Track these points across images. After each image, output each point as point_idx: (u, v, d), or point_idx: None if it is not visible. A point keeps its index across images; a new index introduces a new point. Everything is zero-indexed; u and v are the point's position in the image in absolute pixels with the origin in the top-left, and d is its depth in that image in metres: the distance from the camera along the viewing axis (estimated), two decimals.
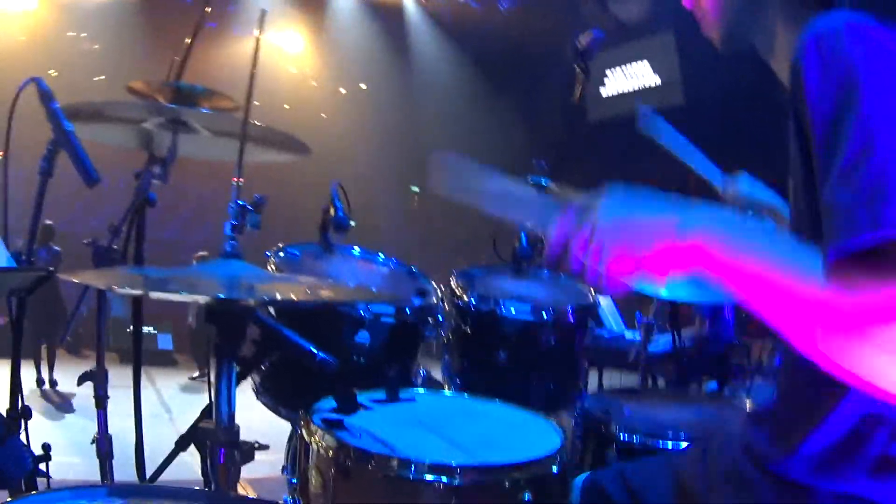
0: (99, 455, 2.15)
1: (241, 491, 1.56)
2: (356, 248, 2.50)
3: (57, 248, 9.30)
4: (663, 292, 2.34)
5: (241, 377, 1.61)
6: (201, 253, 9.18)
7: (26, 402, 2.01)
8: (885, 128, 0.97)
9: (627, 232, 1.03)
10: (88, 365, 2.23)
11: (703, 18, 1.35)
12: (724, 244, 1.00)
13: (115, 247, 2.08)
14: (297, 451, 1.72)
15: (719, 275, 1.00)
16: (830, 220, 0.97)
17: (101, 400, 2.17)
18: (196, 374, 9.94)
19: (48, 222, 9.28)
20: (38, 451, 1.97)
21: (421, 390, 2.03)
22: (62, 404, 7.77)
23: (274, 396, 2.17)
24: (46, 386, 8.45)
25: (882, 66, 1.01)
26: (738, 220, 1.03)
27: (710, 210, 1.04)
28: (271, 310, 2.03)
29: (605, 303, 6.44)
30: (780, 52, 1.28)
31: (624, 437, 1.97)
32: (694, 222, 1.02)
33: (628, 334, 6.17)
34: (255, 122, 1.93)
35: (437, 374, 2.42)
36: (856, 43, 1.03)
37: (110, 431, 2.18)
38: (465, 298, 2.31)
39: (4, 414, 1.96)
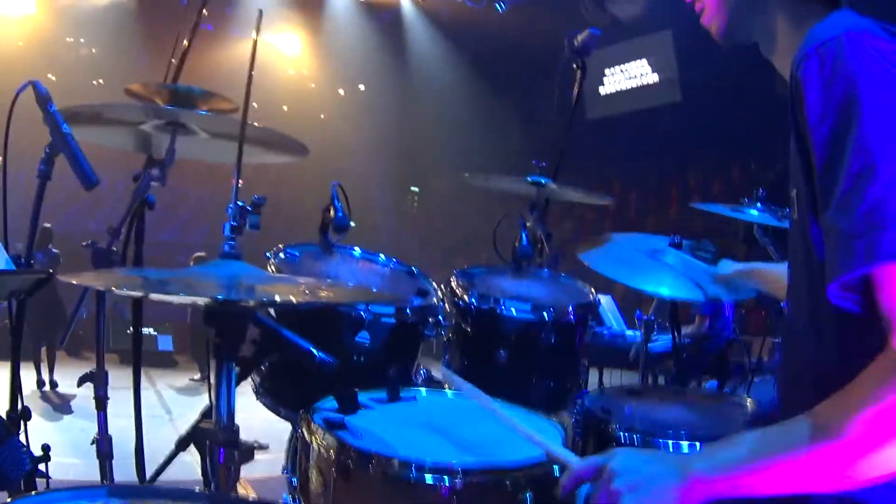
0: (99, 456, 2.15)
1: (241, 491, 1.56)
2: (356, 248, 2.50)
3: (55, 250, 9.30)
4: (664, 291, 2.36)
5: (240, 378, 1.61)
6: (199, 254, 9.18)
7: (26, 404, 2.01)
8: (884, 152, 0.98)
9: (642, 490, 1.12)
10: (89, 366, 2.23)
11: (703, 10, 1.35)
12: (719, 471, 1.10)
13: (114, 249, 2.08)
14: (297, 451, 1.72)
15: (729, 494, 1.10)
16: (831, 249, 1.02)
17: (101, 401, 2.17)
18: (197, 375, 9.94)
19: (46, 225, 9.30)
20: (37, 451, 1.97)
21: (422, 390, 2.03)
22: (62, 405, 7.77)
23: (274, 397, 2.17)
24: (46, 387, 8.45)
25: (883, 85, 1.01)
26: (725, 444, 1.13)
27: (704, 449, 1.17)
28: (271, 310, 2.03)
29: (605, 301, 6.45)
30: (781, 47, 1.27)
31: (624, 435, 1.97)
32: (691, 467, 1.11)
33: (628, 333, 6.17)
34: (254, 123, 1.93)
35: (438, 374, 2.42)
36: (857, 58, 1.03)
37: (110, 432, 2.18)
38: (466, 298, 2.31)
39: (4, 415, 1.96)
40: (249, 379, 2.12)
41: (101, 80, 14.58)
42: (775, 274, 1.86)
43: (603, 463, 1.17)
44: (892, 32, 1.08)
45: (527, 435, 1.41)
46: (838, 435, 1.00)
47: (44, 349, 8.61)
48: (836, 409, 1.02)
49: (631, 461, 1.16)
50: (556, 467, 1.56)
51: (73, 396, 7.86)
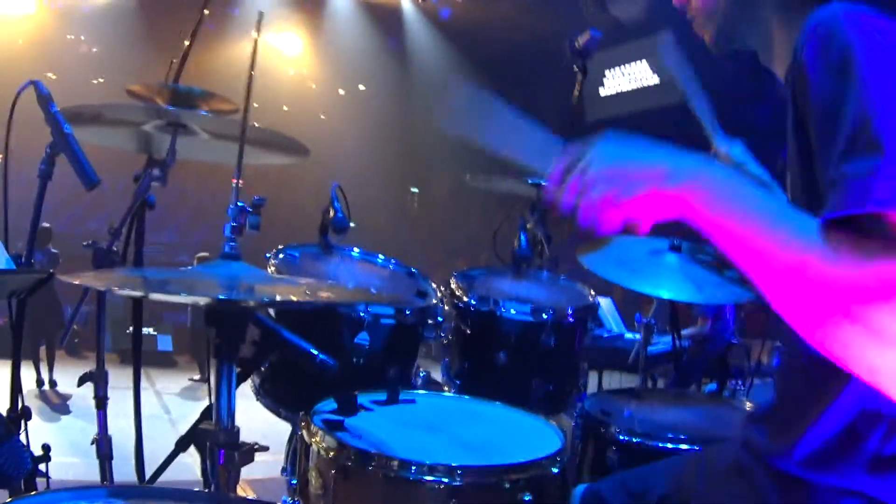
0: (99, 456, 2.15)
1: (240, 492, 1.56)
2: (356, 249, 2.50)
3: (54, 250, 9.30)
4: (664, 293, 2.35)
5: (240, 378, 1.61)
6: (202, 254, 9.18)
7: (26, 403, 2.01)
8: (880, 103, 0.97)
9: (617, 176, 1.02)
10: (88, 366, 2.24)
11: (694, 17, 1.35)
12: (712, 197, 0.99)
13: (114, 249, 2.08)
14: (297, 452, 1.72)
15: (704, 227, 0.99)
16: (833, 193, 0.94)
17: (101, 401, 2.18)
18: (197, 375, 9.94)
19: (45, 225, 9.28)
20: (37, 451, 1.97)
21: (421, 391, 2.03)
22: (62, 405, 7.77)
23: (274, 397, 2.17)
24: (46, 387, 8.45)
25: (876, 44, 1.01)
26: (733, 174, 1.01)
27: (706, 161, 1.02)
28: (271, 311, 2.03)
29: (604, 304, 6.45)
30: (779, 52, 1.28)
31: (623, 438, 1.97)
32: (685, 171, 1.01)
33: (628, 335, 6.18)
34: (255, 124, 1.93)
35: (438, 376, 2.42)
36: (852, 25, 1.03)
37: (110, 432, 2.18)
38: (465, 299, 2.31)
39: (4, 414, 1.96)
40: (249, 380, 2.12)
41: (101, 79, 14.58)
42: None
43: (585, 149, 1.06)
44: (889, 16, 1.09)
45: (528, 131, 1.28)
46: (855, 261, 0.88)
47: (43, 348, 8.61)
48: (863, 245, 0.89)
49: (616, 146, 1.05)
50: (554, 467, 1.57)
51: (73, 396, 7.86)
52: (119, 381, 2.42)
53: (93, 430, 2.18)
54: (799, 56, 1.09)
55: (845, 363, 0.91)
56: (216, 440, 1.45)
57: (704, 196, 0.99)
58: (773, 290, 0.94)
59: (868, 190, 0.90)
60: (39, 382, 8.52)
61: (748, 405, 2.36)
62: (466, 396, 2.04)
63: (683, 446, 1.93)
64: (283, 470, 2.32)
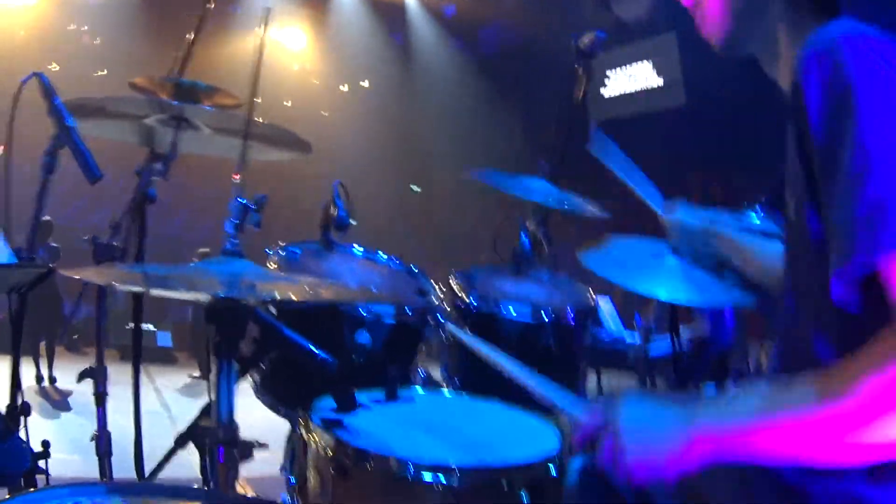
0: (98, 452, 2.15)
1: (239, 489, 1.56)
2: (357, 247, 2.50)
3: (55, 244, 9.29)
4: (664, 295, 2.35)
5: (240, 376, 1.61)
6: (203, 250, 9.17)
7: (25, 400, 2.01)
8: (881, 150, 0.99)
9: (643, 442, 1.14)
10: (88, 362, 2.23)
11: (701, 19, 1.35)
12: (724, 427, 1.09)
13: (115, 243, 2.08)
14: (295, 450, 1.72)
15: (729, 453, 1.09)
16: (832, 245, 1.03)
17: (100, 397, 2.17)
18: (196, 372, 9.93)
19: (46, 218, 9.23)
20: (37, 448, 1.97)
21: (420, 390, 2.03)
22: (61, 401, 7.76)
23: (273, 395, 2.17)
24: (46, 383, 8.45)
25: (880, 85, 1.02)
26: (731, 400, 1.14)
27: (709, 402, 1.16)
28: (272, 308, 2.03)
29: (604, 305, 6.44)
30: (781, 60, 1.28)
31: None
32: (696, 420, 1.11)
33: (627, 336, 6.17)
34: (259, 119, 1.93)
35: (437, 375, 2.42)
36: (854, 59, 1.04)
37: (109, 429, 2.18)
38: (465, 299, 2.31)
39: (4, 411, 1.96)
40: (249, 377, 2.12)
41: (104, 71, 14.56)
42: (750, 250, 1.77)
43: (609, 414, 1.18)
44: (892, 37, 1.09)
45: (534, 389, 1.48)
46: (844, 395, 0.99)
47: (42, 344, 8.61)
48: (843, 373, 1.02)
49: (636, 414, 1.16)
50: (552, 466, 1.57)
51: (73, 393, 7.86)
52: (119, 377, 2.42)
53: (92, 426, 2.18)
54: (798, 79, 1.10)
55: None
56: (215, 437, 1.45)
57: (716, 433, 1.09)
58: (821, 450, 1.04)
59: (876, 241, 0.97)
60: (39, 378, 8.52)
61: None
62: (465, 395, 2.04)
63: None
64: (282, 468, 2.32)
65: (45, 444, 1.99)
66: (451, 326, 1.80)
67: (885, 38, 1.08)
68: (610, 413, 1.18)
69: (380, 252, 2.54)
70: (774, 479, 1.19)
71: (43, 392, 8.13)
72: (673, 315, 3.22)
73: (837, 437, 1.01)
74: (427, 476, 1.47)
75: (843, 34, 1.07)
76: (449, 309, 2.34)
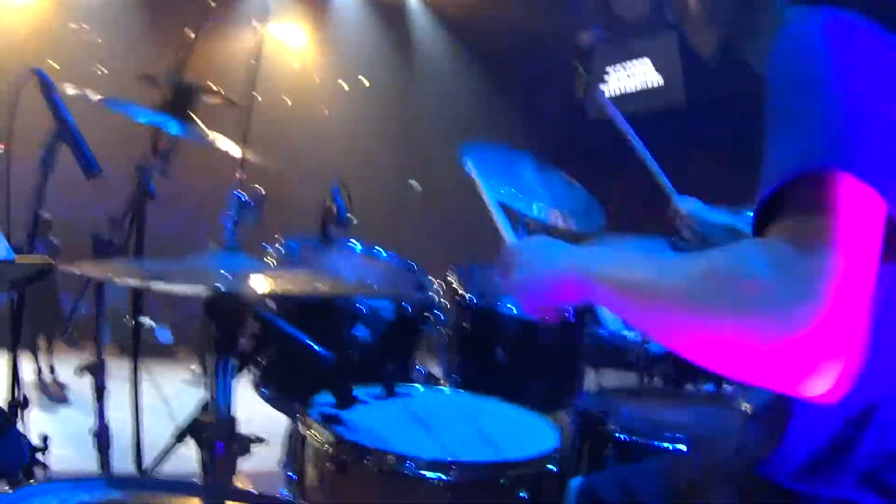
0: (97, 446, 2.16)
1: (238, 484, 1.56)
2: (356, 242, 2.50)
3: (55, 240, 9.30)
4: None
5: (239, 371, 1.61)
6: (212, 245, 9.15)
7: (24, 394, 2.01)
8: (843, 97, 0.92)
9: (531, 277, 1.21)
10: (88, 357, 2.23)
11: (691, 34, 1.34)
12: (591, 275, 1.09)
13: (114, 239, 2.08)
14: (294, 445, 1.72)
15: (601, 301, 1.10)
16: (767, 164, 0.92)
17: (99, 392, 2.18)
18: (197, 367, 9.91)
19: (46, 215, 9.25)
20: (36, 442, 1.97)
21: (419, 386, 2.03)
22: (61, 396, 7.76)
23: (272, 390, 2.17)
24: (45, 378, 8.45)
25: (846, 48, 0.98)
26: (608, 252, 1.14)
27: (587, 250, 1.17)
28: (270, 303, 2.03)
29: None
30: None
31: (621, 436, 1.97)
32: (568, 263, 1.15)
33: (627, 334, 6.17)
34: (257, 116, 1.93)
35: (436, 371, 2.42)
36: (822, 25, 1.00)
37: (108, 423, 2.18)
38: (465, 295, 2.31)
39: (3, 405, 1.96)
40: (248, 372, 2.12)
41: (104, 69, 14.56)
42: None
43: (515, 248, 1.29)
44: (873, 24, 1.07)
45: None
46: (679, 278, 0.91)
47: (42, 340, 8.61)
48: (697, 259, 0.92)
49: (535, 243, 1.26)
50: (551, 464, 1.57)
51: (72, 387, 7.86)
52: (118, 372, 2.42)
53: (91, 421, 2.18)
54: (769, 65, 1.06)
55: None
56: (214, 432, 1.45)
57: (587, 277, 1.10)
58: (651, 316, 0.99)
59: (810, 153, 0.86)
60: (38, 372, 8.52)
61: (745, 406, 2.36)
62: (464, 392, 2.04)
63: (681, 445, 1.93)
64: (281, 463, 2.33)
65: (45, 438, 1.99)
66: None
67: (859, 19, 1.06)
68: (515, 247, 1.29)
69: (379, 248, 2.54)
70: (765, 482, 1.19)
71: (42, 386, 8.12)
72: None
73: (664, 307, 0.91)
74: (425, 472, 1.47)
75: (820, 11, 1.04)
76: (448, 305, 2.34)
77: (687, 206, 2.08)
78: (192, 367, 9.76)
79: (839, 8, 1.06)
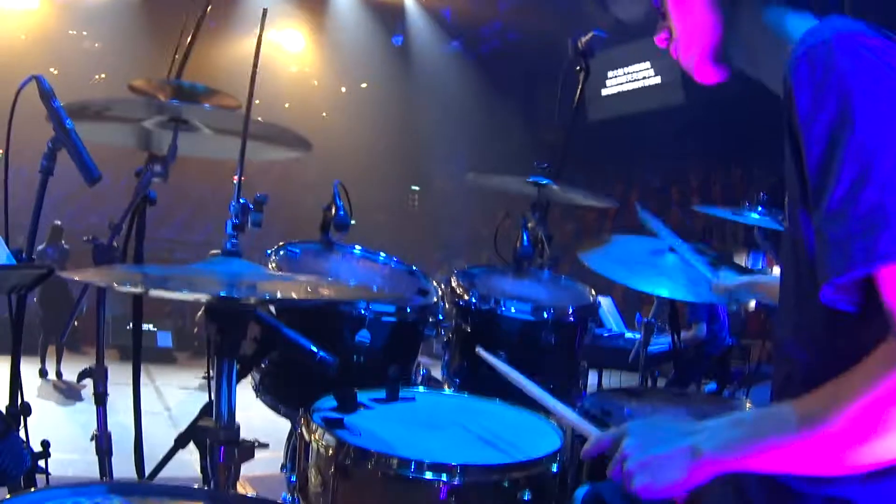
0: (98, 452, 2.15)
1: (240, 489, 1.56)
2: (357, 246, 2.50)
3: (66, 245, 9.43)
4: (664, 292, 2.37)
5: (241, 375, 1.61)
6: (214, 251, 9.19)
7: (26, 399, 2.01)
8: (880, 157, 0.97)
9: (653, 470, 1.16)
10: (88, 362, 2.23)
11: (681, 57, 1.34)
12: (726, 452, 1.12)
13: (115, 245, 2.08)
14: (296, 449, 1.72)
15: (734, 470, 1.13)
16: (823, 251, 1.01)
17: (100, 397, 2.17)
18: (204, 373, 9.91)
19: (57, 222, 9.50)
20: (37, 447, 1.97)
21: (421, 389, 2.03)
22: (62, 401, 7.77)
23: (274, 395, 2.17)
24: (50, 381, 8.47)
25: (875, 84, 0.99)
26: (729, 423, 1.16)
27: (711, 426, 1.17)
28: (272, 308, 2.03)
29: (605, 303, 6.45)
30: (766, 65, 1.24)
31: None
32: (701, 447, 1.14)
33: (628, 334, 6.18)
34: (258, 118, 1.93)
35: (438, 374, 2.42)
36: (848, 62, 1.01)
37: (110, 428, 2.18)
38: (466, 298, 2.31)
39: (4, 410, 1.96)
40: (249, 377, 2.12)
41: (103, 75, 14.58)
42: (777, 286, 1.85)
43: (618, 437, 1.23)
44: (885, 34, 1.07)
45: (552, 406, 1.53)
46: (826, 424, 1.01)
47: (51, 344, 8.68)
48: (824, 399, 1.03)
49: (643, 440, 1.19)
50: (554, 466, 1.57)
51: (73, 392, 7.86)
52: (119, 377, 2.42)
53: (92, 426, 2.18)
54: (789, 81, 1.06)
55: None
56: (216, 437, 1.44)
57: (722, 455, 1.12)
58: (809, 469, 1.07)
59: (873, 249, 0.96)
60: (42, 373, 8.58)
61: (748, 405, 2.35)
62: (466, 394, 2.04)
63: None
64: (283, 467, 2.33)
65: (46, 443, 1.98)
66: (482, 353, 1.86)
67: (879, 35, 1.05)
68: (619, 437, 1.23)
69: (380, 252, 2.55)
70: (766, 481, 1.18)
71: (43, 392, 8.12)
72: (673, 313, 3.23)
73: (823, 458, 1.03)
74: (428, 475, 1.47)
75: (836, 34, 1.04)
76: (450, 308, 2.34)
77: (721, 280, 2.23)
78: (199, 375, 9.75)
79: (848, 22, 1.06)
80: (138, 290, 1.66)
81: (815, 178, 1.03)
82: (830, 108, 1.00)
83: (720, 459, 1.12)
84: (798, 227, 1.12)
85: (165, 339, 11.58)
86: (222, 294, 1.40)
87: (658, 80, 13.59)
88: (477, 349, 1.90)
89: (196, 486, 1.37)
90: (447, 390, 2.23)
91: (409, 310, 2.20)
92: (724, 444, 1.12)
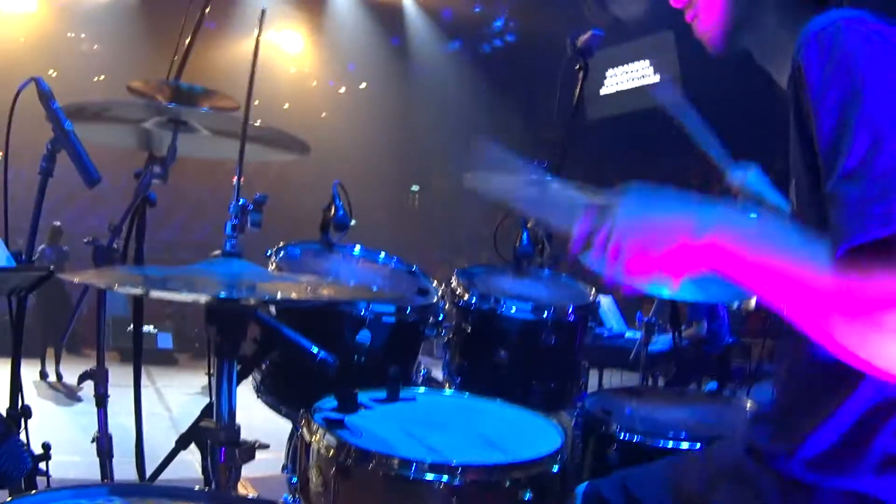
0: (99, 454, 2.15)
1: (241, 490, 1.56)
2: (357, 247, 2.50)
3: (65, 247, 9.44)
4: (668, 291, 2.35)
5: (241, 376, 1.61)
6: (217, 252, 9.20)
7: (26, 401, 2.01)
8: (891, 128, 0.97)
9: (645, 231, 1.06)
10: (89, 364, 2.23)
11: (694, 18, 1.34)
12: (737, 242, 1.03)
13: (115, 246, 2.08)
14: (297, 450, 1.72)
15: (734, 272, 1.03)
16: (839, 216, 0.97)
17: (101, 399, 2.17)
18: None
19: (57, 224, 9.51)
20: (38, 450, 1.97)
21: (421, 389, 2.03)
22: (62, 402, 7.77)
23: (275, 395, 2.17)
24: (50, 383, 8.48)
25: (884, 60, 1.01)
26: (751, 217, 1.07)
27: (725, 209, 1.07)
28: (272, 309, 2.03)
29: (605, 302, 6.45)
30: (776, 54, 1.27)
31: (624, 436, 1.97)
32: (709, 221, 1.05)
33: (629, 334, 6.19)
34: (257, 121, 1.93)
35: (438, 373, 2.42)
36: (856, 36, 1.03)
37: (110, 430, 2.17)
38: (466, 297, 2.31)
39: (5, 413, 1.96)
40: (250, 377, 2.12)
41: (102, 77, 14.59)
42: None
43: (610, 202, 1.11)
44: (890, 21, 1.09)
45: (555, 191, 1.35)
46: (855, 279, 0.93)
47: (49, 346, 8.69)
48: (865, 261, 0.94)
49: (642, 205, 1.09)
50: (554, 466, 1.57)
51: (73, 394, 7.86)
52: (119, 378, 2.42)
53: (93, 427, 2.18)
54: (798, 61, 1.08)
55: (884, 371, 0.94)
56: (217, 438, 1.44)
57: (730, 243, 1.03)
58: (808, 317, 0.98)
59: (890, 212, 0.92)
60: (43, 375, 8.58)
61: (749, 404, 2.35)
62: (467, 394, 2.04)
63: (684, 445, 1.92)
64: (284, 468, 2.32)
65: (46, 445, 1.98)
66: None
67: (882, 21, 1.08)
68: (611, 203, 1.11)
69: (380, 252, 2.54)
70: (777, 475, 1.18)
71: (44, 393, 8.12)
72: (674, 312, 3.23)
73: (850, 312, 0.94)
74: (429, 475, 1.47)
75: (842, 17, 1.07)
76: (450, 308, 2.34)
77: (743, 178, 1.98)
78: (200, 376, 9.74)
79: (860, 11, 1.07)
80: (138, 291, 1.66)
81: (826, 149, 1.02)
82: (841, 84, 1.02)
83: (725, 246, 1.03)
84: (806, 207, 1.12)
85: (166, 341, 11.58)
86: (222, 295, 1.40)
87: (657, 78, 13.58)
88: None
89: (197, 488, 1.37)
90: (448, 390, 2.23)
91: (409, 310, 2.20)
92: (740, 233, 1.03)
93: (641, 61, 13.82)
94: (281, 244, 2.35)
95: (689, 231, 1.05)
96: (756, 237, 1.03)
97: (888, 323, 0.90)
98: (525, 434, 1.74)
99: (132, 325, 2.41)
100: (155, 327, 11.35)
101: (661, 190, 1.11)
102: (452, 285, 2.38)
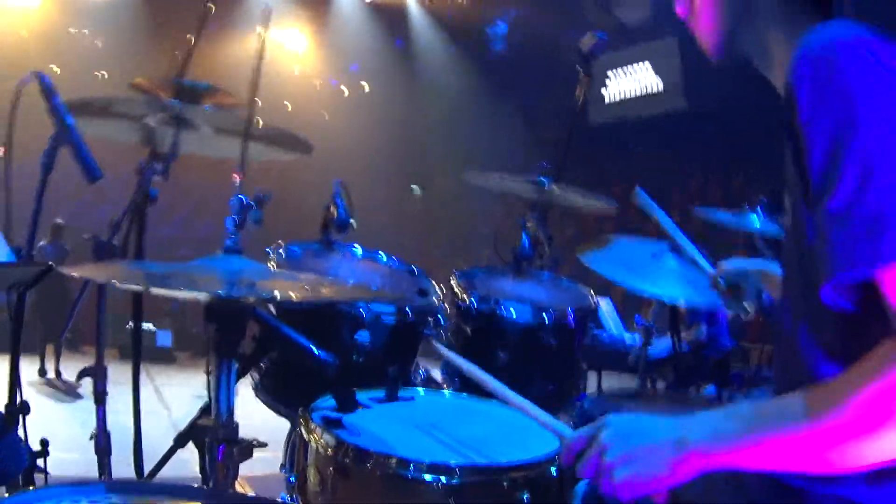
0: (97, 451, 2.15)
1: (239, 488, 1.56)
2: (357, 247, 2.50)
3: (67, 246, 9.45)
4: (664, 294, 2.34)
5: (240, 374, 1.61)
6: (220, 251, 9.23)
7: (24, 397, 2.00)
8: (882, 163, 0.98)
9: (634, 466, 1.11)
10: (87, 361, 2.23)
11: (696, 28, 1.34)
12: (720, 443, 1.09)
13: (115, 242, 2.07)
14: (295, 448, 1.72)
15: (727, 464, 1.10)
16: (826, 253, 1.01)
17: (99, 396, 2.17)
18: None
19: (59, 220, 9.52)
20: (36, 446, 1.96)
21: (420, 390, 2.03)
22: (61, 400, 7.77)
23: (273, 394, 2.17)
24: (49, 379, 8.48)
25: (880, 91, 1.00)
26: (723, 416, 1.12)
27: (702, 416, 1.13)
28: (271, 307, 2.03)
29: (604, 306, 6.45)
30: (774, 61, 1.26)
31: None
32: (690, 438, 1.10)
33: (627, 337, 6.18)
34: (258, 119, 1.93)
35: (437, 374, 2.42)
36: (851, 65, 1.02)
37: (109, 428, 2.17)
38: (466, 299, 2.31)
39: (3, 409, 1.95)
40: (249, 376, 2.12)
41: (104, 73, 14.58)
42: (778, 276, 1.83)
43: (595, 432, 1.16)
44: (886, 37, 1.08)
45: (525, 410, 1.44)
46: (832, 415, 1.01)
47: (49, 342, 8.69)
48: (832, 390, 1.03)
49: (624, 431, 1.14)
50: (553, 467, 1.56)
51: (72, 391, 7.86)
52: (118, 376, 2.41)
53: (91, 425, 2.18)
54: (790, 81, 1.07)
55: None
56: (215, 436, 1.44)
57: (714, 448, 1.09)
58: (812, 466, 1.05)
59: (876, 251, 0.97)
60: (42, 372, 8.58)
61: None
62: (465, 395, 2.04)
63: None
64: (282, 467, 2.33)
65: (45, 442, 1.98)
66: (442, 349, 1.77)
67: (882, 39, 1.06)
68: (595, 432, 1.17)
69: (380, 252, 2.54)
70: (771, 482, 1.18)
71: (42, 390, 8.13)
72: (673, 316, 3.23)
73: (827, 452, 1.02)
74: (427, 475, 1.47)
75: (839, 37, 1.05)
76: (449, 309, 2.34)
77: (722, 268, 2.06)
78: (199, 375, 9.75)
79: (854, 24, 1.07)
80: (138, 286, 1.66)
81: (817, 179, 1.03)
82: (833, 110, 1.01)
83: (709, 453, 1.08)
84: (801, 225, 1.12)
85: (165, 339, 11.58)
86: (221, 293, 1.40)
87: (660, 83, 13.58)
88: (433, 343, 1.86)
89: (195, 486, 1.37)
90: (446, 391, 2.23)
91: (408, 310, 2.20)
92: (715, 436, 1.09)
93: (644, 66, 13.82)
94: (281, 242, 2.35)
95: (674, 454, 1.10)
96: (735, 430, 1.09)
97: (884, 431, 0.98)
98: (523, 435, 1.74)
99: (131, 323, 2.40)
100: (154, 325, 11.36)
101: (639, 418, 1.17)
102: (452, 287, 2.38)
